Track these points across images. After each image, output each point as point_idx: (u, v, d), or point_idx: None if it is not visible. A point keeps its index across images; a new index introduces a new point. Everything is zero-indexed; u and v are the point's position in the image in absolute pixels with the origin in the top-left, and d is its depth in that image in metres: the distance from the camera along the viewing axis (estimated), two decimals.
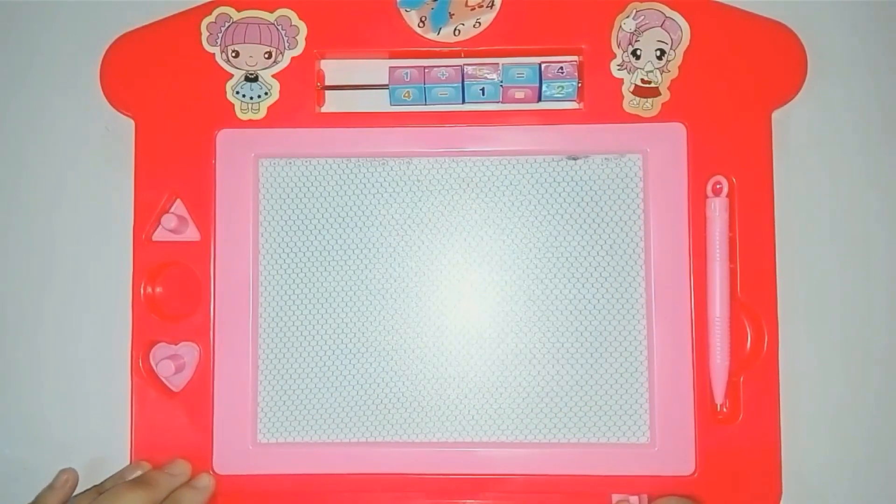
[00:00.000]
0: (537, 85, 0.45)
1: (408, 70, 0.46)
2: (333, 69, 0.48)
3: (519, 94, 0.46)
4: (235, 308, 0.46)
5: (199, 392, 0.46)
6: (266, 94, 0.46)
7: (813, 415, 0.46)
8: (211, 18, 0.46)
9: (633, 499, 0.44)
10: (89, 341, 0.48)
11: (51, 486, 0.44)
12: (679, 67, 0.45)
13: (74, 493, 0.43)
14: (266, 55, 0.46)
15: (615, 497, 0.45)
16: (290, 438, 0.46)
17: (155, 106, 0.46)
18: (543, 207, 0.47)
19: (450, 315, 0.47)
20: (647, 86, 0.45)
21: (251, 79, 0.46)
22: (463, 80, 0.45)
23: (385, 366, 0.46)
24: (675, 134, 0.45)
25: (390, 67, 0.46)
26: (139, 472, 0.44)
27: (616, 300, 0.46)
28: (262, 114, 0.46)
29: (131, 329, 0.46)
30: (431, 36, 0.46)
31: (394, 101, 0.46)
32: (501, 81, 0.45)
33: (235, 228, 0.46)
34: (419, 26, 0.46)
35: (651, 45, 0.45)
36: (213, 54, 0.46)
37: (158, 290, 0.47)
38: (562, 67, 0.45)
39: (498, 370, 0.46)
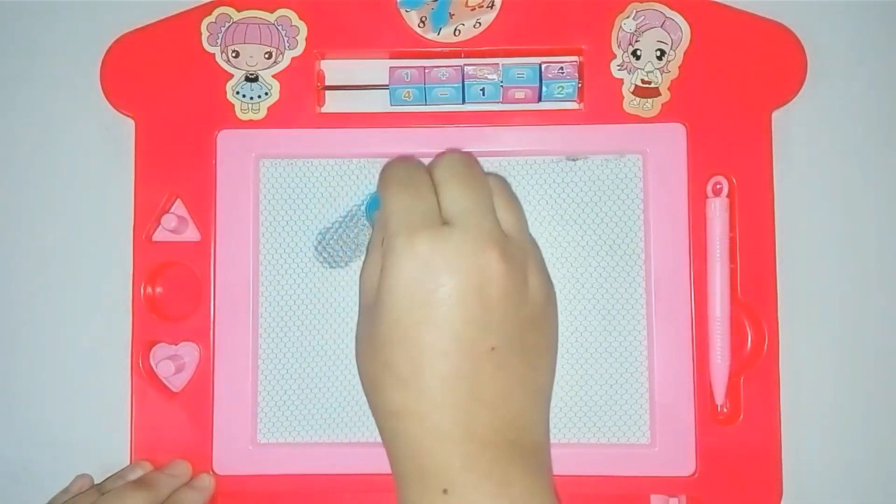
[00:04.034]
0: (537, 85, 0.45)
1: (408, 70, 0.46)
2: (334, 69, 0.48)
3: (519, 95, 0.46)
4: (235, 308, 0.46)
5: (199, 392, 0.46)
6: (266, 94, 0.46)
7: (813, 415, 0.46)
8: (211, 18, 0.46)
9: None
10: (89, 341, 0.48)
11: (66, 491, 0.44)
12: (679, 68, 0.45)
13: (75, 494, 0.43)
14: (266, 55, 0.46)
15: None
16: (290, 438, 0.46)
17: (155, 106, 0.46)
18: (543, 208, 0.47)
19: None
20: (648, 86, 0.45)
21: (251, 79, 0.46)
22: (463, 81, 0.45)
23: None
24: (675, 134, 0.45)
25: (390, 67, 0.46)
26: (140, 473, 0.44)
27: (616, 300, 0.46)
28: (263, 114, 0.46)
29: (131, 329, 0.46)
30: (431, 36, 0.46)
31: (394, 101, 0.46)
32: (502, 82, 0.45)
33: (235, 228, 0.46)
34: (419, 26, 0.46)
35: (651, 45, 0.45)
36: (214, 54, 0.46)
37: (158, 290, 0.47)
38: (562, 68, 0.45)
39: None
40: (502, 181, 0.38)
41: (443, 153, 0.38)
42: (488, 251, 0.34)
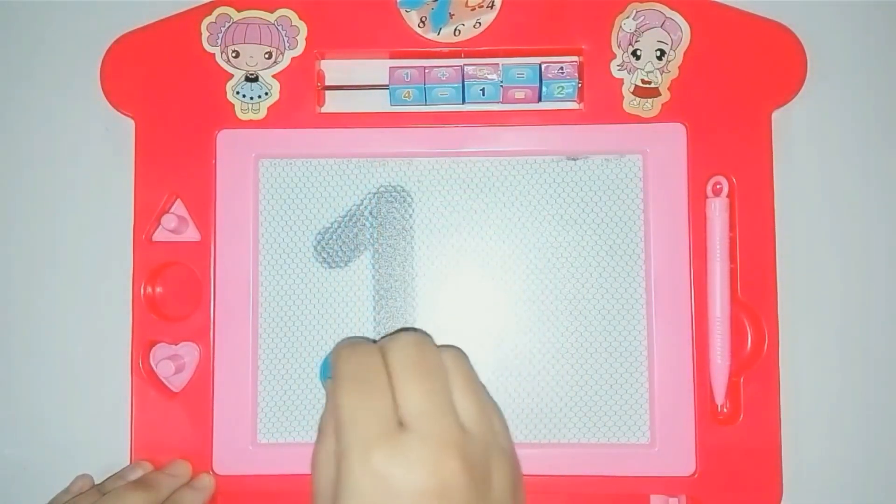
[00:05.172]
0: (537, 85, 0.45)
1: (408, 70, 0.46)
2: (333, 69, 0.48)
3: (519, 95, 0.46)
4: (235, 308, 0.46)
5: (199, 392, 0.45)
6: (266, 94, 0.46)
7: (813, 415, 0.46)
8: (211, 18, 0.46)
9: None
10: (89, 341, 0.48)
11: (66, 491, 0.44)
12: (679, 68, 0.45)
13: (76, 494, 0.43)
14: (266, 55, 0.46)
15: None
16: (290, 438, 0.46)
17: (155, 106, 0.46)
18: (543, 208, 0.47)
19: (449, 315, 0.47)
20: (648, 86, 0.45)
21: (251, 79, 0.46)
22: (463, 81, 0.45)
23: None
24: (675, 134, 0.45)
25: (390, 67, 0.46)
26: (140, 473, 0.44)
27: (616, 300, 0.46)
28: (263, 114, 0.46)
29: (131, 329, 0.46)
30: (431, 36, 0.46)
31: (394, 101, 0.46)
32: (502, 82, 0.45)
33: (235, 228, 0.46)
34: (419, 26, 0.46)
35: (651, 45, 0.45)
36: (214, 54, 0.46)
37: (158, 290, 0.47)
38: (562, 68, 0.45)
39: (497, 371, 0.46)
40: (458, 357, 0.36)
41: (395, 334, 0.36)
42: (448, 461, 0.32)
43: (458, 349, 0.37)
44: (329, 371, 0.37)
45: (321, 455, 0.35)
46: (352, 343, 0.37)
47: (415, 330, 0.36)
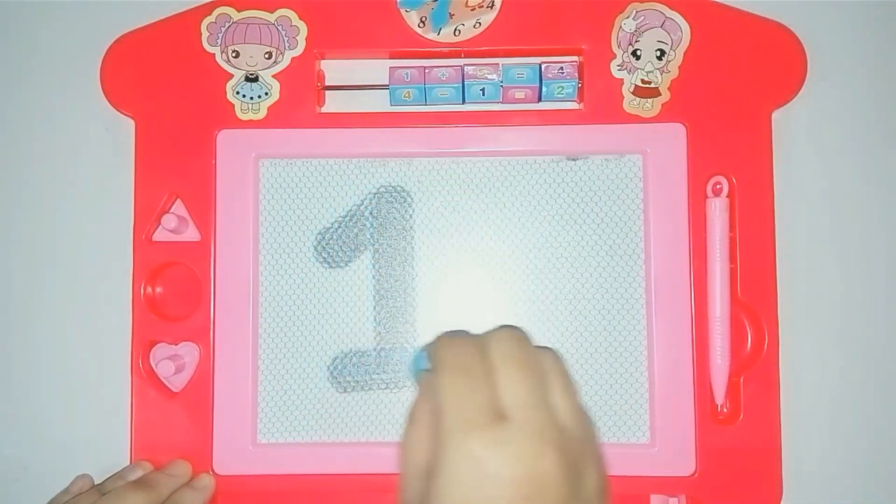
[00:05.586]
0: (537, 85, 0.45)
1: (408, 70, 0.46)
2: (333, 69, 0.48)
3: (519, 95, 0.46)
4: (235, 308, 0.46)
5: (199, 392, 0.46)
6: (266, 94, 0.46)
7: (813, 415, 0.46)
8: (211, 18, 0.46)
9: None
10: (89, 341, 0.48)
11: (66, 491, 0.44)
12: (679, 68, 0.45)
13: (76, 494, 0.43)
14: (266, 55, 0.46)
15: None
16: (290, 438, 0.46)
17: (155, 106, 0.46)
18: (543, 208, 0.47)
19: (449, 315, 0.47)
20: (648, 86, 0.45)
21: (251, 79, 0.46)
22: (463, 81, 0.45)
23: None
24: (675, 134, 0.45)
25: (390, 67, 0.46)
26: (140, 473, 0.44)
27: (616, 300, 0.46)
28: (263, 114, 0.46)
29: (131, 329, 0.46)
30: (431, 36, 0.46)
31: (394, 101, 0.46)
32: (502, 82, 0.45)
33: (235, 228, 0.46)
34: (419, 26, 0.46)
35: (651, 45, 0.45)
36: (214, 54, 0.46)
37: (158, 290, 0.47)
38: (562, 68, 0.45)
39: None
40: (557, 359, 0.37)
41: (496, 330, 0.36)
42: (545, 455, 0.33)
43: (556, 351, 0.37)
44: (420, 363, 0.38)
45: (413, 439, 0.36)
46: (452, 333, 0.37)
47: (514, 327, 0.37)
